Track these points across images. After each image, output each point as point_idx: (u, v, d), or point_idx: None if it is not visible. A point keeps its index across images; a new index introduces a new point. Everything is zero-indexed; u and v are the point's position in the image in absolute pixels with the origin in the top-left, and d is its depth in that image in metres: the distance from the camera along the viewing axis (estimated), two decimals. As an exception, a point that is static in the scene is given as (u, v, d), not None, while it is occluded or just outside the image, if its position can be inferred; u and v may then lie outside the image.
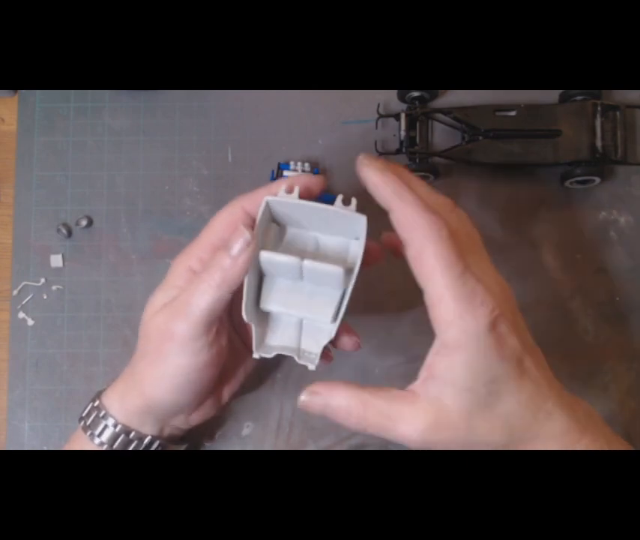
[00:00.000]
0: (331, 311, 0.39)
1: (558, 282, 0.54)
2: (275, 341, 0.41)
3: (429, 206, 0.35)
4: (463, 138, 0.54)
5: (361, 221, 0.38)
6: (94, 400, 0.44)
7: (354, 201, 0.38)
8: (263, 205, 0.38)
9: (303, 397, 0.37)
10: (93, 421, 0.43)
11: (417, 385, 0.36)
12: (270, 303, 0.41)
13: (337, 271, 0.37)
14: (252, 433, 0.53)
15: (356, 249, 0.39)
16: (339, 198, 0.38)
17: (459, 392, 0.34)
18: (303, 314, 0.40)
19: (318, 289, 0.40)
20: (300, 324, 0.41)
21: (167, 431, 0.45)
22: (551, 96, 0.54)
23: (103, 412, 0.43)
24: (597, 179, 0.53)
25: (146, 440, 0.43)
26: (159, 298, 0.41)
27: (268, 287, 0.41)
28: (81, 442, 0.43)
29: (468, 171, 0.54)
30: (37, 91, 0.56)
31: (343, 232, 0.40)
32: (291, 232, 0.41)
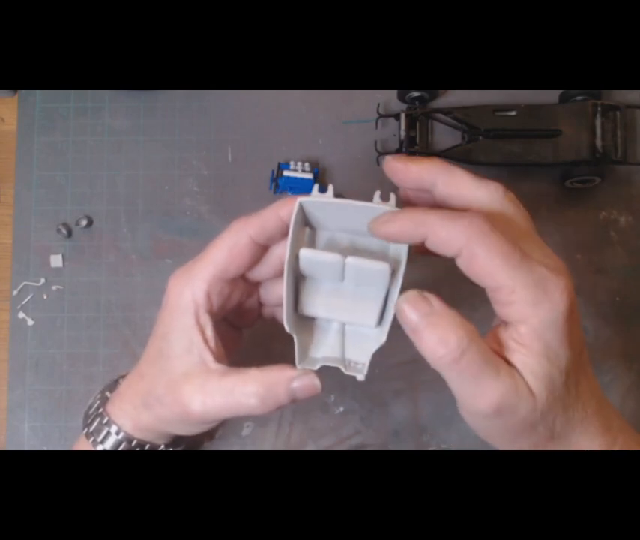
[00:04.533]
0: (376, 314, 0.37)
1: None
2: (318, 352, 0.39)
3: (457, 212, 0.33)
4: (463, 138, 0.54)
5: None
6: (101, 416, 0.42)
7: (393, 197, 0.36)
8: (296, 207, 0.36)
9: (402, 305, 0.33)
10: (104, 437, 0.42)
11: (505, 353, 0.33)
12: (311, 307, 0.39)
13: (383, 267, 0.35)
14: (252, 433, 0.53)
15: (397, 246, 0.37)
16: (377, 194, 0.37)
17: (538, 379, 0.32)
18: (346, 318, 0.38)
19: (361, 291, 0.38)
20: (343, 331, 0.39)
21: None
22: (551, 96, 0.54)
23: (115, 428, 0.42)
24: (597, 179, 0.53)
25: (159, 449, 0.43)
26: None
27: (307, 291, 0.39)
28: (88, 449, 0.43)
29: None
30: (37, 91, 0.56)
31: None
32: (323, 234, 0.39)
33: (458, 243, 0.32)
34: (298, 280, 0.39)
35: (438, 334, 0.32)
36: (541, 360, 0.32)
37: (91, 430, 0.43)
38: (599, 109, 0.52)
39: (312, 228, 0.39)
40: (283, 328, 0.44)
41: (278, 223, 0.38)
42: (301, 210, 0.37)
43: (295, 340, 0.37)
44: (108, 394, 0.44)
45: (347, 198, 0.37)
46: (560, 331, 0.32)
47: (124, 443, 0.42)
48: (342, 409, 0.51)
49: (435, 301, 0.33)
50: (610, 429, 0.35)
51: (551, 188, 0.54)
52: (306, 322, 0.39)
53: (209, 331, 0.39)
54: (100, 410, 0.43)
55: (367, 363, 0.37)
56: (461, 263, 0.33)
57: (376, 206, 0.36)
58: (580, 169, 0.52)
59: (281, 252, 0.39)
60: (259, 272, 0.41)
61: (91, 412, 0.44)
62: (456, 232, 0.32)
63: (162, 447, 0.43)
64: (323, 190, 0.37)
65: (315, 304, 0.39)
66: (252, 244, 0.39)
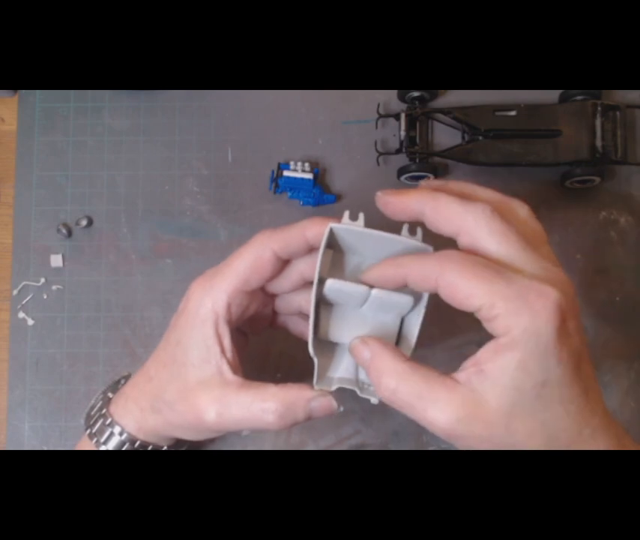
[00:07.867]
0: (393, 339, 0.39)
1: (558, 282, 0.53)
2: (334, 373, 0.40)
3: (470, 196, 0.35)
4: (463, 138, 0.54)
5: (428, 251, 0.37)
6: (104, 417, 0.42)
7: (419, 231, 0.38)
8: (327, 232, 0.37)
9: (355, 342, 0.37)
10: (107, 437, 0.42)
11: (459, 374, 0.33)
12: (334, 332, 0.40)
13: (407, 300, 0.37)
14: (252, 433, 0.53)
15: None
16: (405, 227, 0.38)
17: (504, 391, 0.32)
18: None
19: (379, 317, 0.39)
20: None
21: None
22: (551, 96, 0.54)
23: (118, 429, 0.42)
24: (597, 179, 0.53)
25: (163, 449, 0.43)
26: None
27: (329, 316, 0.40)
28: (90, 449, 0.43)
29: (468, 171, 0.54)
30: (37, 91, 0.56)
31: None
32: (348, 259, 0.40)
33: (433, 276, 0.34)
34: (318, 303, 0.39)
35: (373, 379, 0.35)
36: (514, 372, 0.32)
37: (94, 430, 0.43)
38: (599, 109, 0.52)
39: (335, 249, 0.40)
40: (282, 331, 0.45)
41: (302, 242, 0.39)
42: (332, 235, 0.38)
43: (315, 363, 0.38)
44: (110, 394, 0.44)
45: (371, 226, 0.38)
46: (545, 342, 0.32)
47: (127, 444, 0.42)
48: (342, 409, 0.51)
49: (373, 346, 0.36)
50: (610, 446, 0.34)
51: (551, 188, 0.54)
52: (324, 344, 0.40)
53: (227, 342, 0.39)
54: (103, 411, 0.43)
55: None
56: (444, 296, 0.34)
57: (404, 239, 0.37)
58: (580, 169, 0.52)
59: (302, 268, 0.40)
60: (279, 285, 0.41)
61: (93, 413, 0.44)
62: (429, 268, 0.34)
63: (164, 448, 0.43)
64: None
65: (337, 330, 0.40)
66: (275, 259, 0.39)
